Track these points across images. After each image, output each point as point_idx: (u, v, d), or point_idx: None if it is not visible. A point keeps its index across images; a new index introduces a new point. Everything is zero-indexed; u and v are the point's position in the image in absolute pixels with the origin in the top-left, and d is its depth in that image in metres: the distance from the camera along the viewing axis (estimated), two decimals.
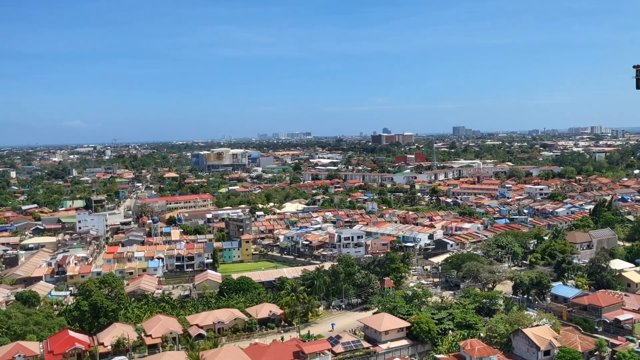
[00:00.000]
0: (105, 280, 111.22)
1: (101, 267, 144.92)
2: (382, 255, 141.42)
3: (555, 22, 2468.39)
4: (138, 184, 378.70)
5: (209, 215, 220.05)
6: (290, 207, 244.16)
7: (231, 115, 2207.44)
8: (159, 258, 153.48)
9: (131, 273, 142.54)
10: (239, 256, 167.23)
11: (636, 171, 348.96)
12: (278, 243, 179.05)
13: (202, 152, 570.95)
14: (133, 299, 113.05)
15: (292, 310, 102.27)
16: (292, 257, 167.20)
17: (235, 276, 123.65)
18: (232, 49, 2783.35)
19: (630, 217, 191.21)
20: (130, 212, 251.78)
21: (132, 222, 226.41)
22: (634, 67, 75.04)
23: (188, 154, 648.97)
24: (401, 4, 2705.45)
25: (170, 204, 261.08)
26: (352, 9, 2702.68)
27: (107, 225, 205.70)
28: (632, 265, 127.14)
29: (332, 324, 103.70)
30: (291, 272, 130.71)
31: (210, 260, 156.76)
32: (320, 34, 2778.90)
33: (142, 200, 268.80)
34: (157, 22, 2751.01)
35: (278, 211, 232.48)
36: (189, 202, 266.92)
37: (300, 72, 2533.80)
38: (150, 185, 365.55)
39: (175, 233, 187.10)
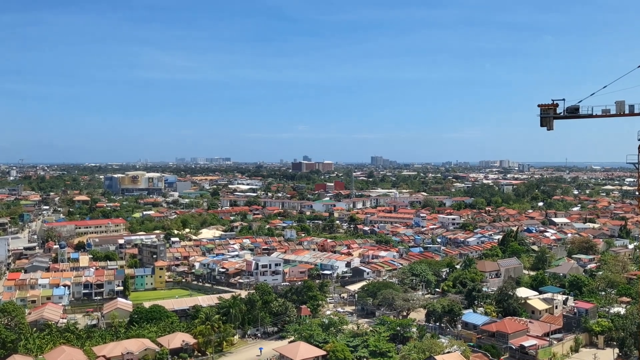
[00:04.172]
0: (4, 309, 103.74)
1: (1, 294, 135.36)
2: (299, 283, 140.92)
3: (468, 61, 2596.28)
4: (45, 207, 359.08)
5: (121, 241, 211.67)
6: (207, 233, 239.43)
7: (148, 139, 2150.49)
8: (64, 285, 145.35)
9: (34, 301, 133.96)
10: (152, 284, 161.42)
11: (540, 203, 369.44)
12: (193, 270, 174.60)
13: (116, 175, 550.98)
14: (35, 328, 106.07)
15: (206, 339, 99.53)
16: (208, 284, 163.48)
17: (147, 304, 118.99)
18: (152, 71, 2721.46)
19: (535, 247, 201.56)
20: (36, 237, 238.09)
21: (37, 247, 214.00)
22: (539, 105, 79.56)
23: (101, 177, 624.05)
24: (323, 35, 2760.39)
25: (79, 228, 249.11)
26: (275, 37, 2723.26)
27: (8, 250, 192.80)
28: (536, 293, 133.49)
29: (260, 348, 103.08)
30: (206, 300, 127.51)
31: (121, 288, 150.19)
32: (243, 60, 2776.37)
33: (49, 224, 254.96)
34: (72, 40, 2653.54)
35: (194, 237, 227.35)
36: (100, 226, 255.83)
37: (222, 97, 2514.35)
38: (59, 209, 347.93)
39: (84, 259, 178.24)
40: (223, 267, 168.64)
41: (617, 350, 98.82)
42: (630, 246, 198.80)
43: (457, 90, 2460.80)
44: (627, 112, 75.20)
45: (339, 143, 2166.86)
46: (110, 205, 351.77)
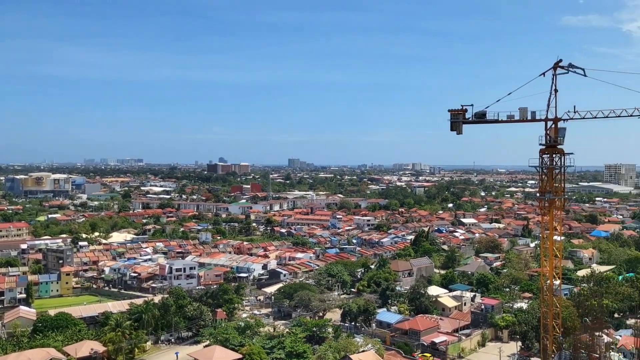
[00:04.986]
0: None
1: None
2: (215, 286, 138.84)
3: (385, 65, 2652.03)
4: None
5: (23, 246, 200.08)
6: (118, 237, 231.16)
7: (55, 139, 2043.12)
8: None
9: None
10: (57, 290, 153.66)
11: (450, 205, 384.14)
12: (103, 275, 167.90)
13: (18, 177, 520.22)
14: None
15: (116, 347, 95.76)
16: (116, 290, 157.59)
17: (52, 312, 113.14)
18: (59, 68, 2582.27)
19: (445, 247, 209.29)
20: None
21: None
22: (449, 110, 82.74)
23: (1, 178, 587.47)
24: (241, 35, 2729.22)
25: None
26: (192, 36, 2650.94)
27: None
28: (446, 291, 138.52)
29: (176, 353, 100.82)
30: (117, 306, 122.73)
31: (24, 295, 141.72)
32: (157, 59, 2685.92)
33: None
34: None
35: (104, 241, 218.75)
36: (1, 231, 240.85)
37: (134, 96, 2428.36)
38: None
39: None
40: (135, 272, 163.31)
41: (520, 343, 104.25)
42: (532, 245, 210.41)
43: (373, 94, 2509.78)
44: (529, 117, 79.86)
45: (255, 145, 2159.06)
46: (12, 208, 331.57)
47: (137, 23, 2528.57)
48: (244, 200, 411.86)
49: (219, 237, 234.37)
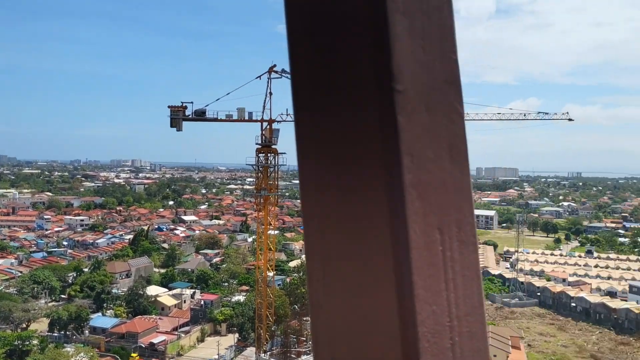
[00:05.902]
0: None
1: None
2: None
3: (102, 55, 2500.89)
4: None
5: None
6: None
7: None
8: None
9: None
10: None
11: (171, 202, 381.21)
12: None
13: None
14: None
15: None
16: None
17: None
18: None
19: (165, 245, 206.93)
20: None
21: None
22: (169, 107, 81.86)
23: None
24: None
25: None
26: None
27: None
28: (166, 289, 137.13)
29: None
30: None
31: None
32: None
33: None
34: None
35: None
36: None
37: None
38: None
39: None
40: None
41: (237, 335, 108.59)
42: (250, 239, 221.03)
43: (89, 85, 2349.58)
44: (246, 118, 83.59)
45: None
46: None
47: None
48: None
49: None
